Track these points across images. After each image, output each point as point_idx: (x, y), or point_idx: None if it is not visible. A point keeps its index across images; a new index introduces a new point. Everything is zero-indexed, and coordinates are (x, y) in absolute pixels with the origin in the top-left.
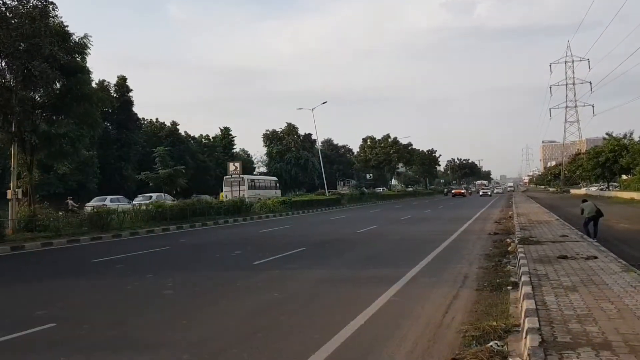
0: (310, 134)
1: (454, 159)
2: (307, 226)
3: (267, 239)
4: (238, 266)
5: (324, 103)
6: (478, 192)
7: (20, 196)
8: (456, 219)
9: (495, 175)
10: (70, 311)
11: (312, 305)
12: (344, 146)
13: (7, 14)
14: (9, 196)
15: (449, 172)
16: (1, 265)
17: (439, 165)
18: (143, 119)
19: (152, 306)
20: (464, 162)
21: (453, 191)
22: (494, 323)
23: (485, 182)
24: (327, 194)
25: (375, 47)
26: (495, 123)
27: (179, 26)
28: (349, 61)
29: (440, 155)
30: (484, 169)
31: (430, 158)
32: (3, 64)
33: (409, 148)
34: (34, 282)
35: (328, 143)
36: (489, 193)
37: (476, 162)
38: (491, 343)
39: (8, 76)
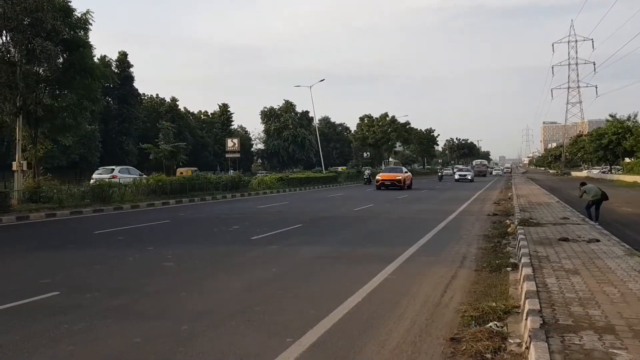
0: (307, 112)
1: (452, 139)
2: (304, 203)
3: (264, 215)
4: (236, 241)
5: (321, 81)
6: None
7: (25, 168)
8: (454, 199)
9: (494, 156)
10: (73, 280)
11: (309, 281)
12: (341, 124)
13: None
14: (14, 168)
15: (447, 151)
16: (7, 235)
17: (437, 144)
18: (144, 94)
19: (153, 278)
20: (463, 142)
21: (459, 174)
22: (494, 304)
23: (485, 161)
24: (324, 171)
25: (374, 25)
26: (496, 103)
27: (179, 2)
28: (348, 39)
29: (438, 134)
30: (483, 149)
31: (428, 137)
32: (7, 38)
33: (407, 127)
34: (39, 252)
35: (325, 121)
36: (469, 177)
37: (475, 143)
38: (490, 324)
39: (12, 50)
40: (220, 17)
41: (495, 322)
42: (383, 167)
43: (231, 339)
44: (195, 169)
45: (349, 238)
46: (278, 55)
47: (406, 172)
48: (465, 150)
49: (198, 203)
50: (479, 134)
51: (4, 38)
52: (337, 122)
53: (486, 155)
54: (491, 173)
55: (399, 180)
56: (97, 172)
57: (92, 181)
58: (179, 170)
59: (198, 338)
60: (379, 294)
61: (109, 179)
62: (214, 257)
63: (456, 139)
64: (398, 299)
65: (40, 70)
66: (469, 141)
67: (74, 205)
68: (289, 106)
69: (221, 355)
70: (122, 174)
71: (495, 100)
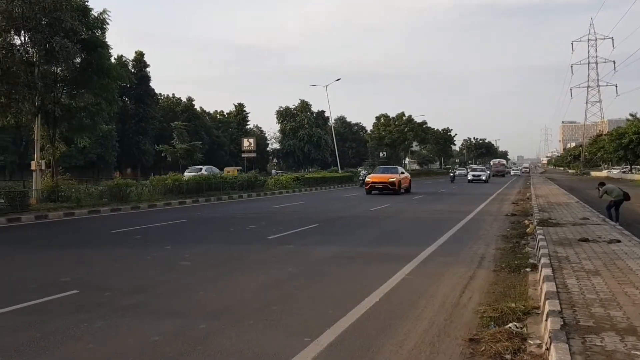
0: (323, 111)
1: (470, 139)
2: (320, 203)
3: (280, 215)
4: (253, 240)
5: (337, 80)
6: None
7: (43, 168)
8: (472, 199)
9: (512, 156)
10: (92, 279)
11: (325, 281)
12: (357, 124)
13: None
14: (33, 167)
15: (464, 151)
16: (27, 233)
17: (455, 144)
18: (160, 94)
19: (170, 276)
20: (480, 141)
21: (472, 174)
22: (513, 305)
23: (503, 160)
24: (340, 171)
25: (390, 24)
26: (514, 103)
27: (195, 3)
28: (363, 38)
29: (456, 134)
30: (501, 149)
31: (445, 137)
32: (26, 38)
33: (424, 126)
34: (58, 250)
35: (341, 121)
36: (483, 178)
37: (493, 142)
38: (510, 324)
39: (31, 51)
40: (237, 16)
41: (515, 323)
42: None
43: (249, 337)
44: (240, 167)
45: (365, 238)
46: (294, 55)
47: (402, 174)
48: (482, 150)
49: (214, 202)
50: (497, 134)
51: (22, 38)
52: (353, 121)
53: (504, 155)
54: (509, 173)
55: (392, 183)
56: (187, 170)
57: (185, 178)
58: (227, 169)
59: (216, 336)
60: (396, 294)
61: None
62: (230, 256)
63: (474, 138)
64: (416, 299)
65: (58, 70)
66: (486, 141)
67: (92, 205)
68: (304, 106)
69: (240, 354)
70: (207, 172)
71: (514, 99)
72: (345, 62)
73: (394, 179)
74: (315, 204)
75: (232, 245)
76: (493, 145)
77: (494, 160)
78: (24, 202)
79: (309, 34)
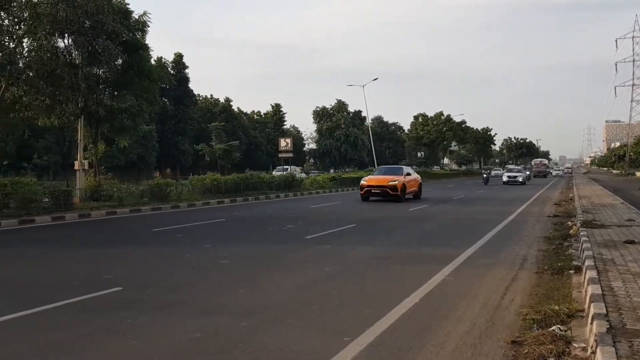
0: (360, 111)
1: (510, 138)
2: (357, 203)
3: (317, 215)
4: (290, 240)
5: (374, 80)
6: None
7: (86, 167)
8: (512, 200)
9: (554, 156)
10: (135, 276)
11: (364, 281)
12: (394, 123)
13: None
14: (76, 167)
15: (504, 151)
16: (71, 232)
17: (494, 144)
18: (198, 95)
19: (210, 274)
20: (521, 141)
21: (507, 175)
22: (556, 307)
23: (545, 160)
24: None
25: (431, 22)
26: (555, 101)
27: (232, 3)
28: (402, 37)
29: (495, 134)
30: (542, 148)
31: (485, 137)
32: (70, 41)
33: (463, 126)
34: (101, 248)
35: (378, 120)
36: (520, 179)
37: (534, 142)
38: (553, 327)
39: (74, 53)
40: (275, 17)
41: (559, 326)
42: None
43: (289, 335)
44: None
45: (403, 238)
46: (331, 55)
47: (408, 175)
48: (523, 150)
49: (252, 202)
50: (538, 133)
51: (66, 41)
52: (390, 121)
53: (546, 155)
54: (550, 173)
55: (392, 187)
56: (275, 170)
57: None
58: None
59: (257, 334)
60: (436, 295)
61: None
62: (268, 255)
63: (514, 138)
64: (456, 300)
65: (101, 72)
66: (527, 140)
67: (133, 204)
68: (341, 106)
69: (280, 352)
70: (290, 172)
71: (555, 98)
72: (383, 62)
73: (396, 182)
74: (352, 204)
75: (270, 244)
76: (534, 144)
77: (535, 160)
78: (68, 201)
79: (348, 34)
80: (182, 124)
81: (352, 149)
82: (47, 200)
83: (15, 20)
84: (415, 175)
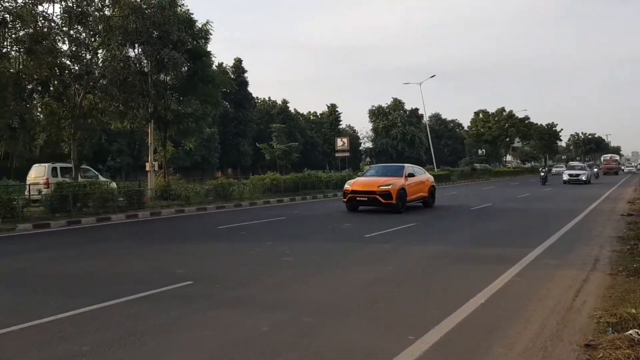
0: (417, 109)
1: (577, 134)
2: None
3: (375, 213)
4: (349, 238)
5: (432, 77)
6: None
7: (156, 169)
8: (581, 198)
9: (625, 152)
10: (204, 271)
11: (427, 280)
12: (452, 121)
13: (142, 5)
14: (147, 168)
15: (571, 147)
16: (144, 229)
17: (560, 140)
18: (257, 97)
19: (274, 270)
20: (589, 136)
21: (567, 174)
22: (633, 310)
23: (616, 156)
24: (435, 169)
25: (490, 16)
26: (626, 95)
27: (285, 5)
28: (460, 33)
29: (561, 129)
30: (613, 144)
31: (549, 132)
32: (139, 51)
33: (526, 122)
34: (172, 244)
35: (436, 118)
36: (583, 178)
37: (603, 137)
38: (630, 331)
39: (144, 62)
40: (328, 16)
41: (636, 330)
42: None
43: (352, 332)
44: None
45: (466, 237)
46: (386, 53)
47: (411, 176)
48: (592, 146)
49: (310, 201)
50: (608, 128)
51: (136, 50)
52: (448, 118)
53: (617, 151)
54: (622, 170)
55: (384, 194)
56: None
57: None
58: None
59: (321, 330)
60: (503, 295)
61: None
62: (329, 253)
63: (582, 133)
64: (525, 302)
65: (168, 79)
66: (596, 136)
67: (199, 202)
68: (397, 104)
69: (344, 348)
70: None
71: (625, 91)
72: (440, 59)
73: (389, 187)
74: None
75: (330, 242)
76: (603, 140)
77: (605, 155)
78: (140, 200)
79: (403, 31)
80: (242, 125)
81: (409, 147)
82: (122, 199)
83: (91, 33)
84: (422, 177)
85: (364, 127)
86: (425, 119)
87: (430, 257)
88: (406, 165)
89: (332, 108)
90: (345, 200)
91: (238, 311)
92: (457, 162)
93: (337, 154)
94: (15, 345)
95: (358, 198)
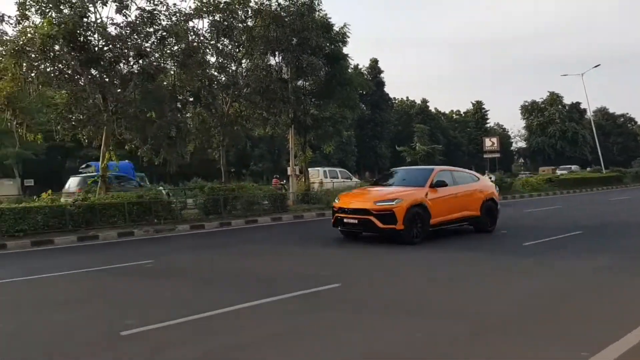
0: (578, 103)
1: None
2: (579, 207)
3: (533, 220)
4: (507, 246)
5: (596, 67)
6: None
7: (297, 173)
8: None
9: None
10: (350, 274)
11: (600, 294)
12: (623, 115)
13: (282, 13)
14: (289, 172)
15: None
16: (288, 231)
17: None
18: (394, 98)
19: (422, 278)
20: None
21: None
22: None
23: None
24: (603, 170)
25: None
26: None
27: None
28: (628, 13)
29: None
30: None
31: None
32: (280, 58)
33: None
34: (314, 247)
35: (602, 112)
36: None
37: None
38: None
39: (284, 69)
40: (469, 11)
41: None
42: None
43: (512, 345)
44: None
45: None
46: (539, 43)
47: (443, 185)
48: None
49: None
50: None
51: (277, 58)
52: (617, 112)
53: None
54: None
55: (382, 214)
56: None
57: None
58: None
59: (478, 340)
60: None
61: None
62: (487, 261)
63: None
64: None
65: (306, 84)
66: None
67: None
68: (554, 98)
69: (506, 358)
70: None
71: None
72: (604, 45)
73: (391, 203)
74: (574, 209)
75: (487, 251)
76: None
77: None
78: (284, 204)
79: (558, 19)
80: (379, 127)
81: (570, 146)
82: (267, 202)
83: (236, 44)
84: (468, 186)
85: (514, 125)
86: (590, 113)
87: (601, 269)
88: (437, 168)
89: (478, 105)
90: (333, 220)
91: (388, 316)
92: (629, 162)
93: (485, 155)
94: (178, 335)
95: (345, 220)
